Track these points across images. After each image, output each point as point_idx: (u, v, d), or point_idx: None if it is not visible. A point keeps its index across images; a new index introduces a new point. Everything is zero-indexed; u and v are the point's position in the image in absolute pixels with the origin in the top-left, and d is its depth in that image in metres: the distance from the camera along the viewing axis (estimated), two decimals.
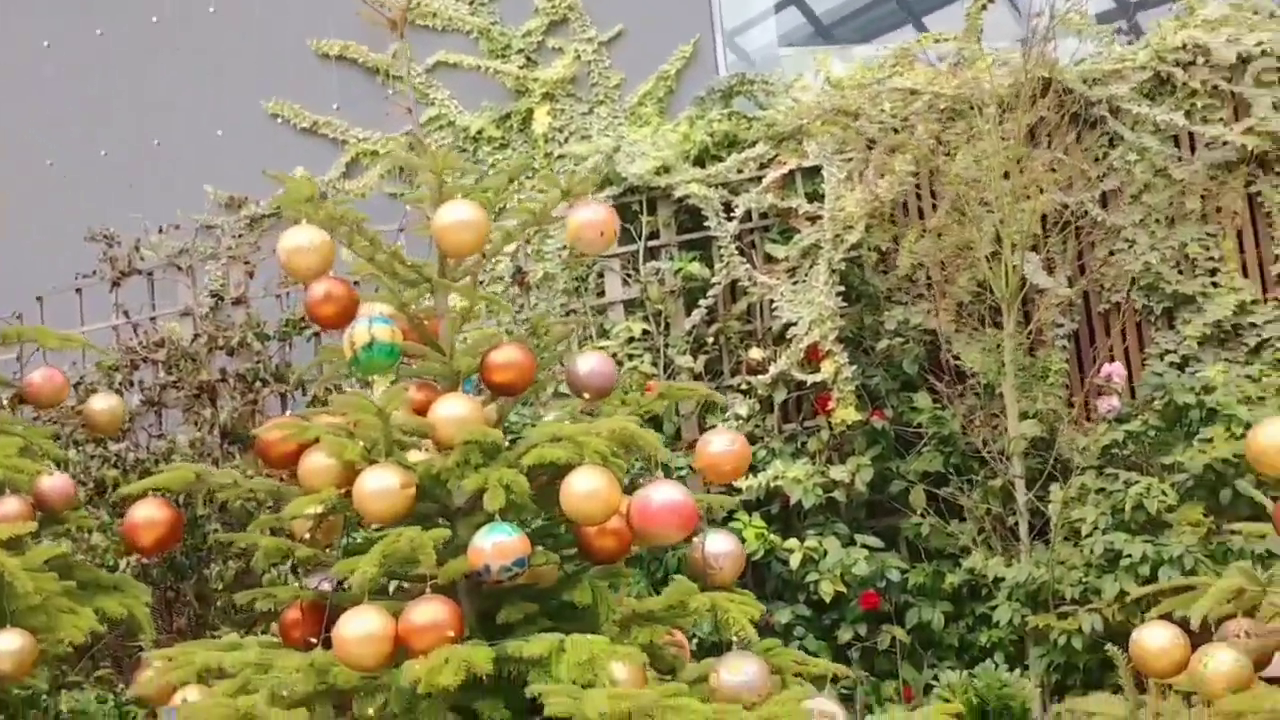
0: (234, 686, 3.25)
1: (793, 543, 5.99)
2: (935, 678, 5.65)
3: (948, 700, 4.96)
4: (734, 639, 3.29)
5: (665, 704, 2.82)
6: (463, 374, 3.63)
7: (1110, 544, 5.34)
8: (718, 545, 3.51)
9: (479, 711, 3.03)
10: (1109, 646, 3.68)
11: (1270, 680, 3.50)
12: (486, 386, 3.63)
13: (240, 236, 7.60)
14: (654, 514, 3.25)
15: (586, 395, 3.68)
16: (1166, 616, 3.51)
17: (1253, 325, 6.33)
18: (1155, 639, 3.42)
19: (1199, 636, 3.52)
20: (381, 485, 3.26)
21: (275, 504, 3.65)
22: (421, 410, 3.59)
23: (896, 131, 6.49)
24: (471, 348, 3.64)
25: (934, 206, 6.69)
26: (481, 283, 4.44)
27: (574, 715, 2.74)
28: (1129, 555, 5.24)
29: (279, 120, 7.91)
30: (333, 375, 4.16)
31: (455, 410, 3.43)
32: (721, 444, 3.60)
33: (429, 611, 3.03)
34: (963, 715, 3.29)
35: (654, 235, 6.88)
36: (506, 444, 3.45)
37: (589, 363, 3.69)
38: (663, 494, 3.27)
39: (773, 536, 6.03)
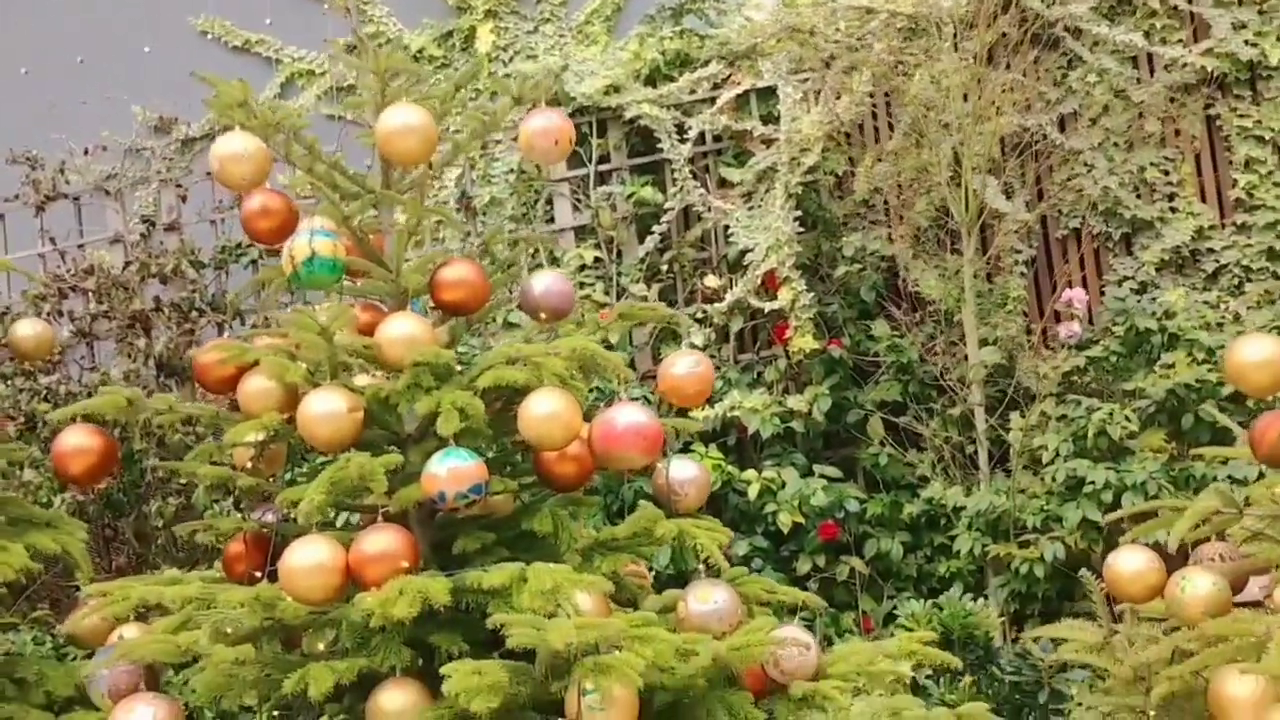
0: (175, 622, 3.06)
1: (750, 473, 5.88)
2: (895, 608, 5.60)
3: (910, 630, 4.90)
4: (701, 567, 3.15)
5: (633, 633, 2.67)
6: (411, 292, 3.43)
7: (1072, 471, 5.28)
8: (682, 471, 3.36)
9: (435, 645, 2.87)
10: (1083, 572, 3.60)
11: (1242, 605, 3.45)
12: (437, 306, 3.43)
13: (171, 160, 7.25)
14: (618, 437, 3.09)
15: (543, 316, 3.49)
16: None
17: (1210, 251, 6.28)
18: (1130, 563, 3.33)
19: (1170, 561, 3.45)
20: (327, 409, 3.06)
21: (216, 433, 3.45)
22: (367, 333, 3.39)
23: (854, 50, 6.30)
24: (420, 265, 3.44)
25: (890, 128, 6.54)
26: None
27: (538, 646, 2.59)
28: (1091, 482, 5.18)
29: (209, 37, 7.54)
30: (271, 301, 3.93)
31: (404, 330, 3.23)
32: (685, 366, 3.42)
33: (381, 541, 2.85)
34: (935, 641, 3.18)
35: (604, 159, 6.67)
36: (459, 369, 3.27)
37: (544, 281, 3.50)
38: (627, 416, 3.11)
39: (730, 467, 5.91)
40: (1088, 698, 3.80)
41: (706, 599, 3.00)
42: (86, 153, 6.98)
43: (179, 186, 6.82)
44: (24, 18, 7.79)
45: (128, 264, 6.52)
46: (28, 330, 4.45)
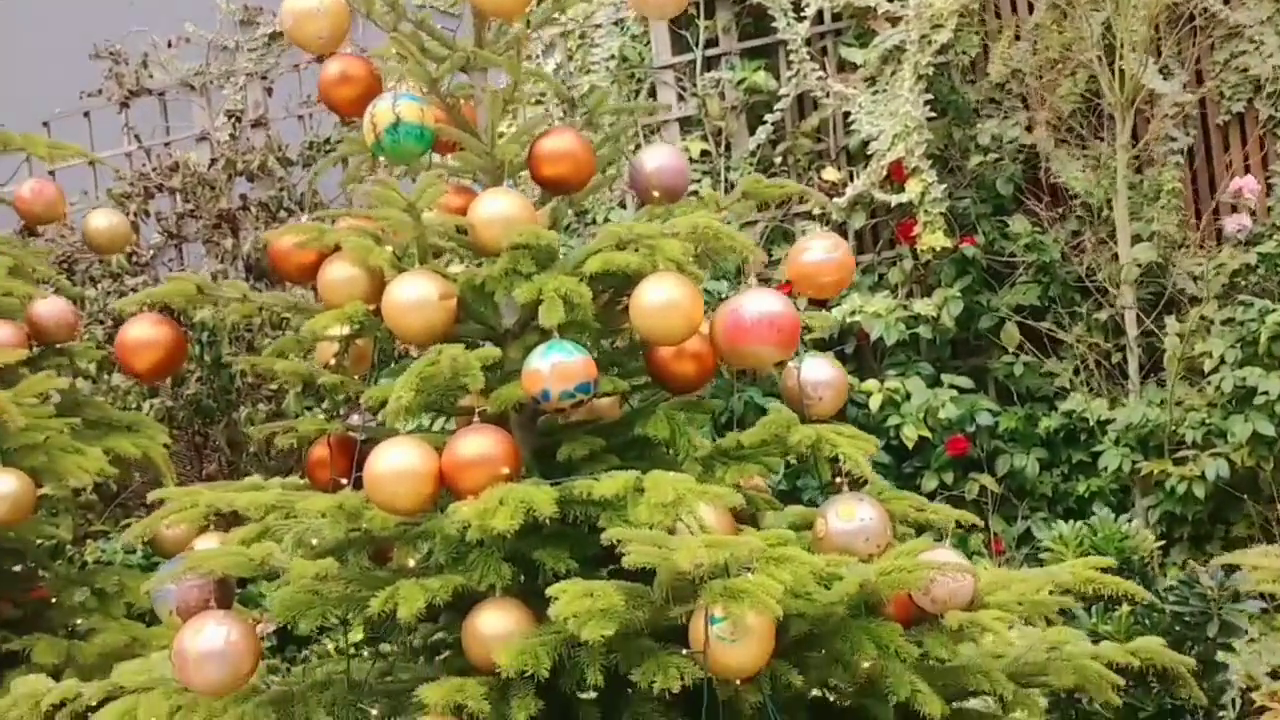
0: (252, 533, 2.76)
1: (871, 384, 5.44)
2: (1029, 529, 5.15)
3: (1053, 552, 4.44)
4: (843, 480, 2.75)
5: (769, 553, 2.29)
6: (507, 166, 3.04)
7: (1241, 380, 4.73)
8: (817, 372, 2.94)
9: (539, 562, 2.52)
10: None
11: None
12: (536, 183, 3.04)
13: (257, 54, 6.92)
14: (748, 329, 2.67)
15: (655, 195, 3.08)
16: None
17: None
18: None
19: None
20: (417, 295, 2.70)
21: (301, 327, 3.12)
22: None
23: None
24: (517, 135, 3.04)
25: (1030, 3, 5.92)
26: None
27: (659, 567, 2.22)
28: (1264, 392, 4.62)
29: None
30: (354, 181, 3.56)
31: (500, 208, 2.84)
32: (821, 250, 2.98)
33: (479, 443, 2.49)
34: (1112, 568, 2.74)
35: (712, 43, 6.17)
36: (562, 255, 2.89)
37: (657, 157, 3.08)
38: (758, 304, 2.68)
39: (849, 377, 5.46)
40: (1268, 633, 3.35)
41: (850, 516, 2.60)
42: (170, 45, 6.70)
43: (264, 77, 6.51)
44: None
45: (214, 161, 6.25)
46: (101, 222, 4.20)
